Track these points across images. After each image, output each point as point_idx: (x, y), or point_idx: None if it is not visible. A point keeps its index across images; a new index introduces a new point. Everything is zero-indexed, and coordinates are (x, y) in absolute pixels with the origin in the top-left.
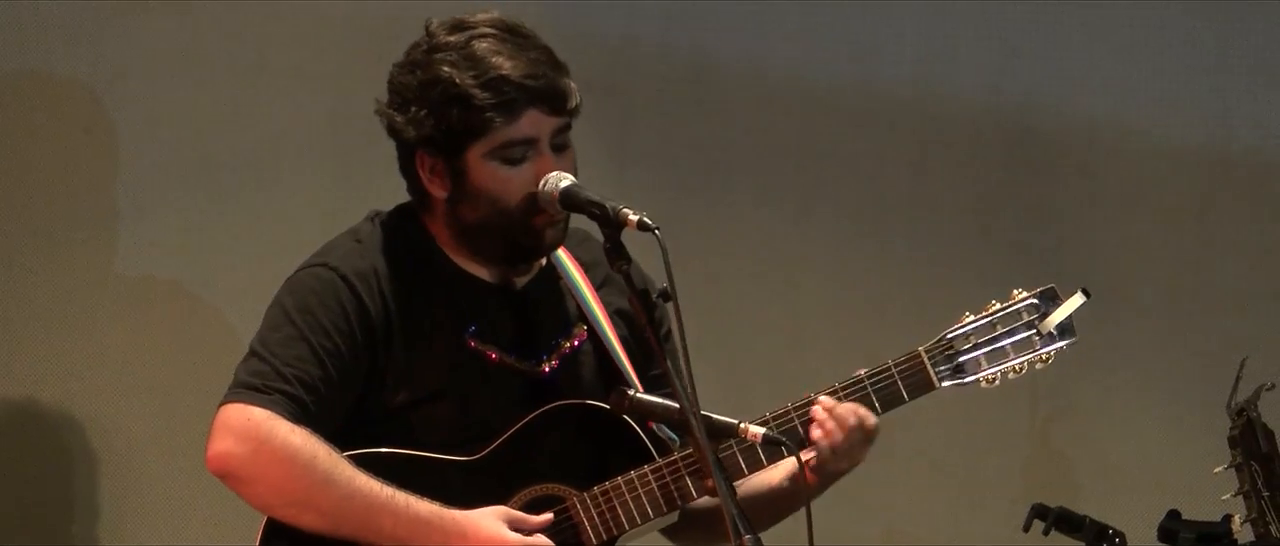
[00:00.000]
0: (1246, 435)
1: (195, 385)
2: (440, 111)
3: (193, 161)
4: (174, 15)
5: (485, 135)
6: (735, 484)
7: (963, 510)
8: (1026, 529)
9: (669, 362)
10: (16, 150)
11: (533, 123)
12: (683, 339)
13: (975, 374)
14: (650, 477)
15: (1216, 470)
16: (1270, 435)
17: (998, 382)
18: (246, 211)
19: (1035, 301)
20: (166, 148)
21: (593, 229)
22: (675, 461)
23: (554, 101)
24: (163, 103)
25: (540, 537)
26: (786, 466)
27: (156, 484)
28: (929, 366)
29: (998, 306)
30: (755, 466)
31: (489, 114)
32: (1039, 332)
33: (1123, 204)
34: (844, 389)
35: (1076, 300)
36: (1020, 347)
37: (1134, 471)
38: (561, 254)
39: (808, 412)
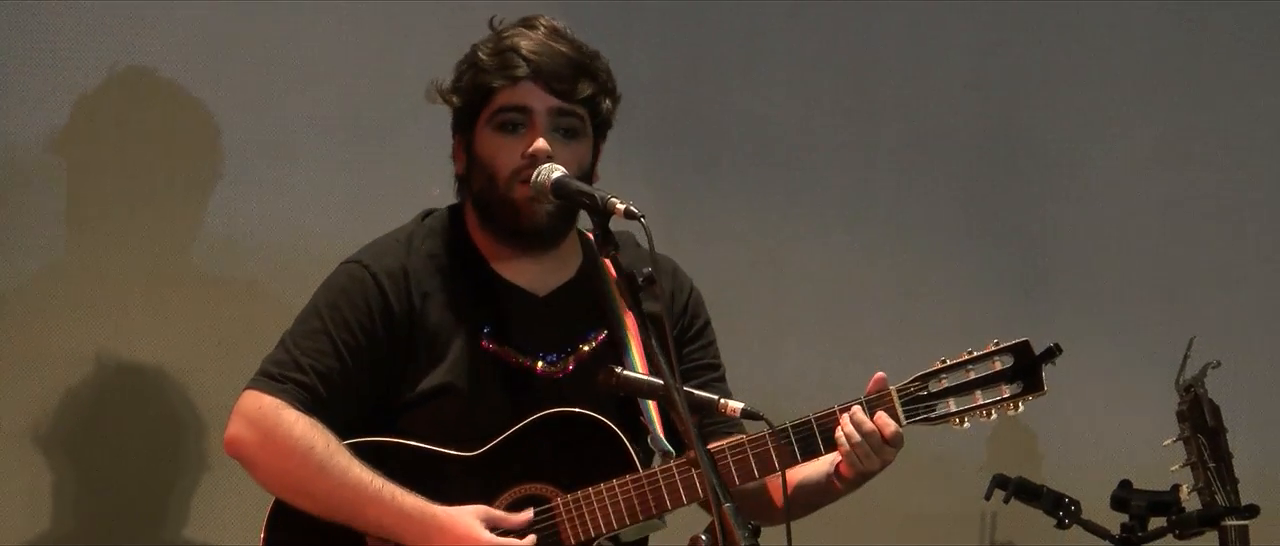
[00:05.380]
0: (1194, 410)
1: (209, 375)
2: (459, 78)
3: (211, 150)
4: (196, 6)
5: (488, 100)
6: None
7: (927, 479)
8: (988, 497)
9: (653, 342)
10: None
11: (530, 93)
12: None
13: (944, 413)
14: (630, 486)
15: (1166, 442)
16: (1216, 410)
17: (967, 426)
18: (266, 200)
19: (1008, 351)
20: (180, 137)
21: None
22: (654, 473)
23: (555, 81)
24: (180, 92)
25: (513, 539)
26: (822, 462)
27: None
28: (898, 404)
29: (972, 353)
30: (787, 461)
31: (490, 75)
32: (1010, 382)
33: (1090, 196)
34: (819, 421)
35: (1049, 355)
36: (990, 395)
37: (1091, 444)
38: (605, 262)
39: (830, 420)
